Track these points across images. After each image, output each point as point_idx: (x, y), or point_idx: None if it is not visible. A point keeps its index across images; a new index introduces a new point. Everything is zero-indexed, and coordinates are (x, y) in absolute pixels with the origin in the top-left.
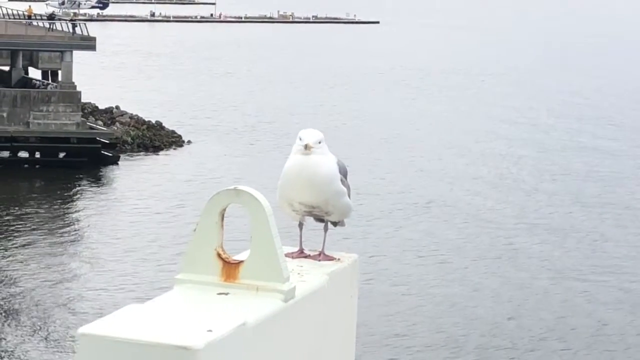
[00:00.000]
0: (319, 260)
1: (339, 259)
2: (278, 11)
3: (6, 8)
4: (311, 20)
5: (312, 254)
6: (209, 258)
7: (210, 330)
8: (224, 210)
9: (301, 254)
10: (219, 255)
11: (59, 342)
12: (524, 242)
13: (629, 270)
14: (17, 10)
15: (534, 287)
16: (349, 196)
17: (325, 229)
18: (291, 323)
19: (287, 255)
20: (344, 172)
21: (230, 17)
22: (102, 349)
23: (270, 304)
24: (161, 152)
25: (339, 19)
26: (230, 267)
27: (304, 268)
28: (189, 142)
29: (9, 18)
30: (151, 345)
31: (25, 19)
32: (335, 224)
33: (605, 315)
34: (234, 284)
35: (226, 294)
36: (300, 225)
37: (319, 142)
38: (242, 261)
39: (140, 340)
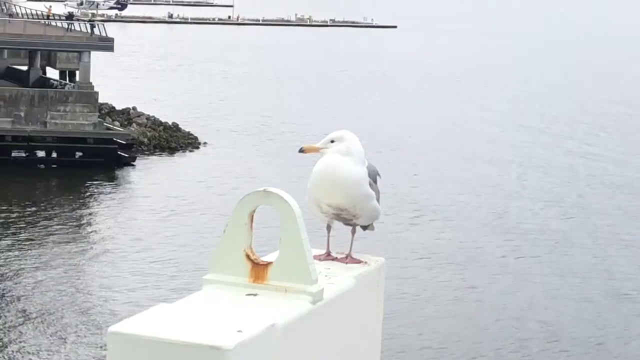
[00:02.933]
0: (346, 263)
1: (365, 262)
2: (296, 14)
3: (25, 8)
4: (329, 23)
5: (339, 256)
6: (237, 259)
7: (240, 331)
8: (254, 211)
9: (328, 256)
10: (247, 256)
11: (77, 341)
12: (538, 247)
13: None
14: (36, 10)
15: (551, 292)
16: (378, 200)
17: (353, 232)
18: (319, 325)
19: (314, 257)
20: (373, 176)
21: (248, 19)
22: (133, 347)
23: (298, 305)
24: (177, 154)
25: (357, 23)
26: (259, 269)
27: (332, 270)
28: (205, 143)
29: (28, 18)
30: (182, 344)
31: (44, 19)
32: (364, 227)
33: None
34: (263, 285)
35: (255, 294)
36: (329, 227)
37: (331, 142)
38: (271, 262)
39: (171, 340)
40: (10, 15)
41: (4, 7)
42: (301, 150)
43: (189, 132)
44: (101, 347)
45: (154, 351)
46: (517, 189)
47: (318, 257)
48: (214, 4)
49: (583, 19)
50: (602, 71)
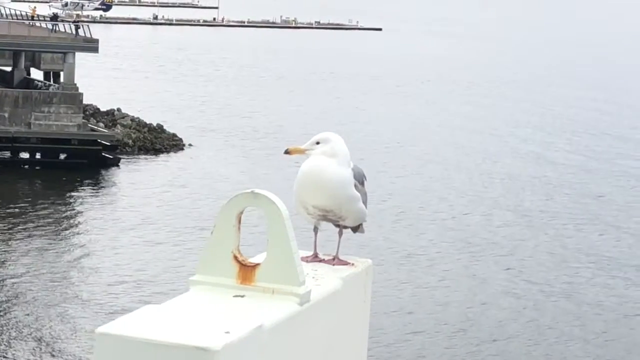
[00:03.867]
0: (333, 265)
1: (352, 264)
2: (281, 16)
3: (9, 8)
4: (314, 25)
5: (326, 258)
6: (225, 260)
7: (227, 332)
8: (241, 213)
9: (315, 258)
10: (235, 257)
11: (59, 343)
12: (535, 250)
13: None
14: (21, 11)
15: (547, 293)
16: (365, 202)
17: (340, 234)
18: (306, 326)
19: (301, 259)
20: (359, 178)
21: (233, 21)
22: (120, 348)
23: (286, 307)
24: (162, 155)
25: (342, 25)
26: (246, 270)
27: (319, 272)
28: (189, 145)
29: (12, 18)
30: (169, 345)
31: (28, 19)
32: (354, 230)
33: None
34: (250, 286)
35: (242, 296)
36: (315, 229)
37: (317, 143)
38: (258, 264)
39: (159, 341)
40: (8, 17)
41: None
42: (286, 152)
43: (173, 133)
44: (82, 348)
45: (141, 352)
46: (507, 190)
47: (305, 259)
48: (199, 5)
49: (580, 23)
50: (592, 74)
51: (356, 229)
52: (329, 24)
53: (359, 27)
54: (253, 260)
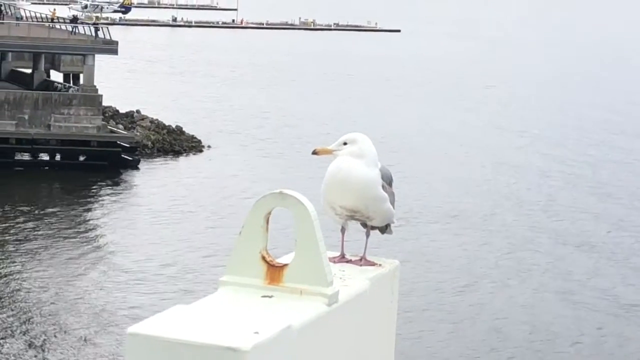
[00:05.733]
0: (361, 265)
1: (380, 265)
2: (299, 18)
3: (29, 11)
4: (332, 27)
5: (353, 258)
6: (253, 261)
7: (256, 332)
8: (269, 213)
9: (343, 258)
10: (263, 258)
11: (85, 342)
12: (550, 253)
13: None
14: (40, 13)
15: (567, 298)
16: (393, 203)
17: (368, 234)
18: (334, 327)
19: (329, 259)
20: (387, 179)
21: (252, 23)
22: (151, 348)
23: (314, 307)
24: (181, 157)
25: (361, 26)
26: (274, 270)
27: (346, 273)
28: (208, 147)
29: (32, 21)
30: (199, 345)
31: (48, 22)
32: (382, 231)
33: None
34: (278, 286)
35: (270, 296)
36: (343, 230)
37: (344, 144)
38: (286, 264)
39: (189, 341)
40: (18, 19)
41: (9, 11)
42: (314, 152)
43: (192, 135)
44: (107, 347)
45: (171, 352)
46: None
47: (332, 259)
48: (218, 7)
49: (586, 28)
50: (598, 78)
51: (384, 229)
52: (347, 25)
53: (377, 28)
54: (281, 260)
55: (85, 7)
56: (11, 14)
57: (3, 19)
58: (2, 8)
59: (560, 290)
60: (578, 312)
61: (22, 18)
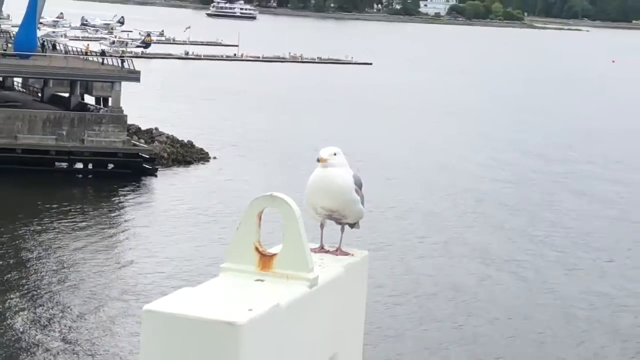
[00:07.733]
0: (337, 255)
1: (352, 254)
2: (289, 53)
3: (66, 45)
4: (316, 60)
5: (331, 249)
6: (248, 251)
7: (250, 310)
8: (262, 212)
9: (322, 249)
10: (256, 248)
11: (114, 319)
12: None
13: None
14: (76, 48)
15: (545, 286)
16: (363, 204)
17: (342, 229)
18: (315, 305)
19: (311, 250)
20: (359, 184)
21: (250, 56)
22: (162, 322)
23: (298, 289)
24: (191, 166)
25: (339, 60)
26: (265, 259)
27: (325, 261)
28: (214, 158)
29: (69, 54)
30: (203, 320)
31: (82, 55)
32: (351, 226)
33: None
34: (269, 272)
35: (262, 280)
36: (322, 226)
37: (334, 154)
38: (275, 254)
39: (194, 317)
40: (67, 53)
41: (49, 46)
42: (319, 160)
43: (201, 148)
44: (135, 321)
45: (179, 325)
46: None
47: (313, 250)
48: (223, 43)
49: (541, 63)
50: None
51: (352, 225)
52: (328, 59)
53: (353, 62)
54: (271, 250)
55: (113, 42)
56: (51, 47)
57: (45, 52)
58: (45, 43)
59: (530, 277)
60: (546, 295)
61: (59, 51)
